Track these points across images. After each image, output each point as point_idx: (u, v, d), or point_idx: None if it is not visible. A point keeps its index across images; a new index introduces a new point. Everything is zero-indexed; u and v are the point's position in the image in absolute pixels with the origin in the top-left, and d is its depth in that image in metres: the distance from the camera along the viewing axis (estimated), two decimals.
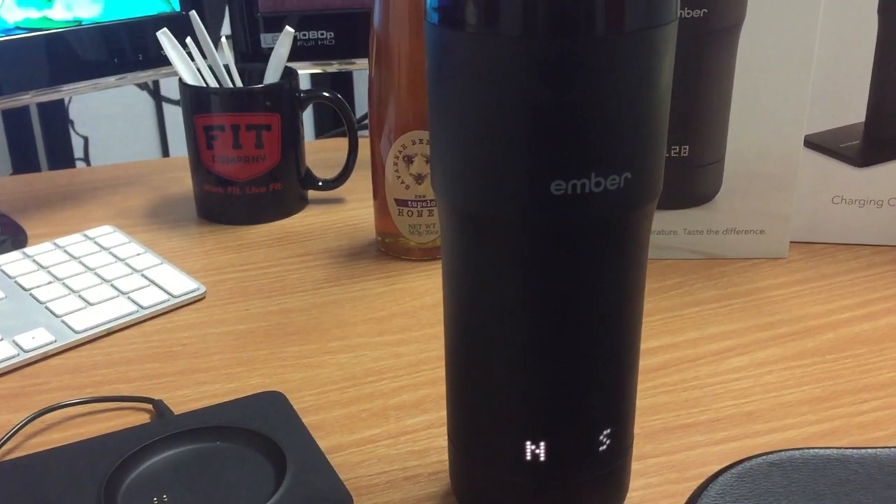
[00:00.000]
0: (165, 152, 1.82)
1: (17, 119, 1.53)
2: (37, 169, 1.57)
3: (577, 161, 0.30)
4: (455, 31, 0.30)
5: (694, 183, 0.61)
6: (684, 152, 0.60)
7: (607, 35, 0.29)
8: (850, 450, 0.40)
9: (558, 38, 0.28)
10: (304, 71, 0.81)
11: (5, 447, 0.44)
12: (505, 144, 0.30)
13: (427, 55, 0.32)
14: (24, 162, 1.54)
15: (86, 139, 1.69)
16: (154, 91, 1.78)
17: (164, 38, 0.67)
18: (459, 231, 0.33)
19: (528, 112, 0.29)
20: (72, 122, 1.66)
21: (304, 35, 0.78)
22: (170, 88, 1.72)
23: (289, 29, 0.69)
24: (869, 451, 0.40)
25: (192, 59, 0.69)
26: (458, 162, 0.31)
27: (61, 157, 1.60)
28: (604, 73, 0.29)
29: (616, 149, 0.30)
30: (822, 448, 0.40)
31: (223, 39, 0.71)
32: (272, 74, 0.70)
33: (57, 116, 1.60)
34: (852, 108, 0.61)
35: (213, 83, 0.70)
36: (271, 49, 0.71)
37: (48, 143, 1.57)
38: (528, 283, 0.32)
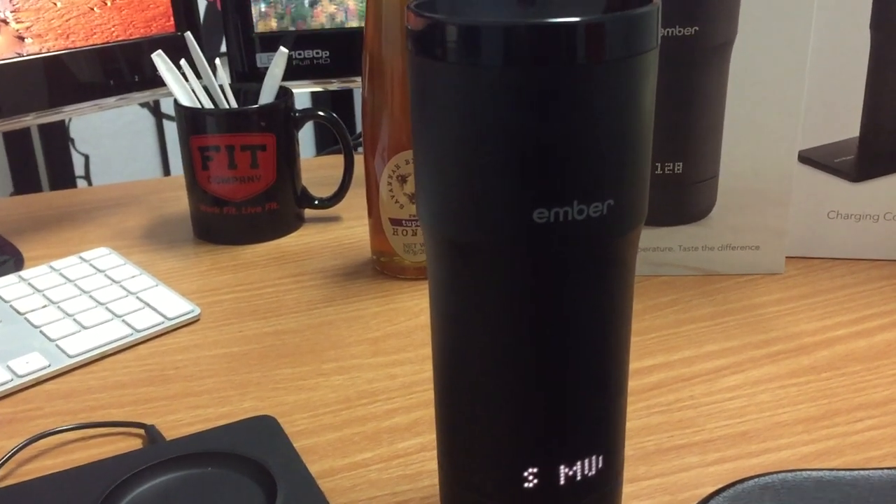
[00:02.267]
0: (166, 169, 1.82)
1: (18, 138, 1.54)
2: (38, 187, 1.58)
3: (559, 189, 0.30)
4: (435, 61, 0.30)
5: (688, 200, 0.61)
6: (678, 169, 0.60)
7: (588, 64, 0.29)
8: (843, 471, 0.39)
9: (538, 68, 0.28)
10: (305, 90, 0.82)
11: None
12: (486, 173, 0.30)
13: (409, 83, 0.32)
14: (24, 181, 1.55)
15: (87, 157, 1.70)
16: (155, 108, 1.79)
17: (159, 59, 0.68)
18: (444, 258, 0.33)
19: (508, 141, 0.29)
20: (72, 141, 1.67)
21: (300, 54, 0.78)
22: (170, 106, 1.72)
23: (283, 49, 0.69)
24: (862, 472, 0.39)
25: (187, 79, 0.69)
26: (441, 190, 0.31)
27: (62, 175, 1.61)
28: (584, 101, 0.29)
29: (598, 176, 0.30)
30: (814, 469, 0.40)
31: (217, 60, 0.71)
32: (267, 94, 0.70)
33: (57, 135, 1.61)
34: (846, 123, 0.60)
35: (208, 104, 0.70)
36: (267, 69, 0.71)
37: (49, 162, 1.58)
38: (512, 311, 0.32)
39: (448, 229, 0.32)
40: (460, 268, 0.33)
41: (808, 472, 0.39)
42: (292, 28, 0.77)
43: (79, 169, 1.70)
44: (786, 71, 0.57)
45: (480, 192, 0.30)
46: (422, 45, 0.30)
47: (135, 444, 0.46)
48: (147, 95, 0.77)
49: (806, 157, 0.61)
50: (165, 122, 1.80)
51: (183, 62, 0.69)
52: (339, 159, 0.74)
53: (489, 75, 0.29)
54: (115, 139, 1.74)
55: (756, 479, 0.39)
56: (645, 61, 0.30)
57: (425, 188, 0.32)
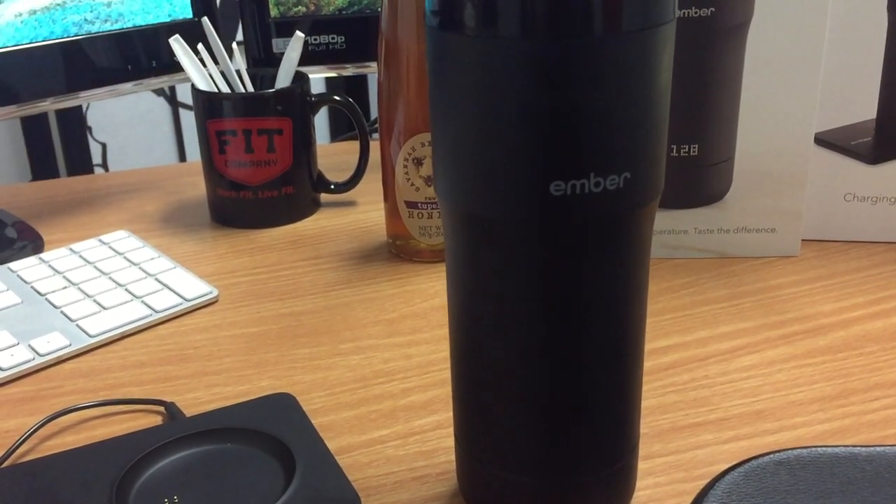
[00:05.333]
0: (182, 157, 1.83)
1: (35, 126, 1.55)
2: (56, 176, 1.59)
3: (575, 162, 0.30)
4: (453, 33, 0.30)
5: (704, 182, 0.61)
6: (694, 151, 0.60)
7: (605, 35, 0.29)
8: (859, 448, 0.39)
9: (556, 40, 0.28)
10: (320, 75, 0.82)
11: (20, 450, 0.45)
12: (504, 146, 0.30)
13: (427, 58, 0.32)
14: (43, 169, 1.56)
15: (104, 146, 1.71)
16: (171, 97, 1.80)
17: (177, 44, 0.68)
18: (462, 232, 0.33)
19: (526, 113, 0.29)
20: (90, 129, 1.68)
21: (316, 39, 0.78)
22: (186, 94, 1.74)
23: (299, 34, 0.70)
24: (877, 448, 0.39)
25: (205, 64, 0.69)
26: (459, 164, 0.32)
27: (79, 163, 1.62)
28: (602, 73, 0.29)
29: (615, 149, 0.30)
30: (830, 446, 0.40)
31: (234, 45, 0.71)
32: (283, 79, 0.71)
33: (75, 123, 1.62)
34: (863, 105, 0.60)
35: (225, 89, 0.70)
36: (283, 54, 0.71)
37: (67, 150, 1.59)
38: (529, 284, 0.32)
39: (465, 203, 0.32)
40: (477, 242, 0.33)
41: (824, 449, 0.39)
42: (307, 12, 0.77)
43: (96, 157, 1.71)
44: (802, 52, 0.57)
45: (497, 165, 0.31)
46: (439, 18, 0.30)
47: (155, 420, 0.47)
48: (164, 81, 0.78)
49: (822, 140, 0.61)
50: (182, 112, 1.81)
51: (200, 47, 0.69)
52: (354, 146, 0.74)
53: (506, 47, 0.29)
54: (131, 128, 1.75)
55: (771, 456, 0.39)
56: (662, 33, 0.30)
57: (443, 162, 0.33)
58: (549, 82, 0.29)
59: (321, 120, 1.65)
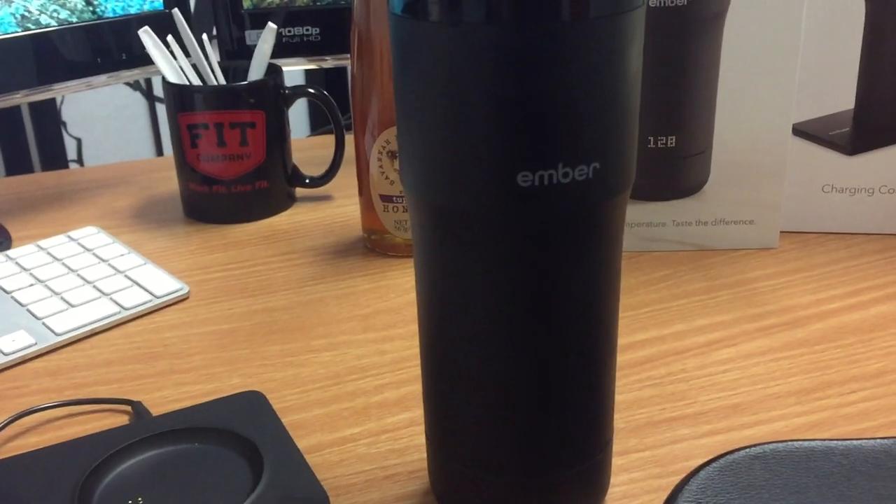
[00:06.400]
0: (160, 152, 1.81)
1: (9, 122, 1.53)
2: (30, 171, 1.57)
3: (543, 151, 0.29)
4: (417, 20, 0.29)
5: (681, 174, 0.60)
6: (671, 143, 0.59)
7: (572, 21, 0.28)
8: (835, 441, 0.39)
9: (522, 26, 0.28)
10: (298, 67, 0.81)
11: None
12: (470, 136, 0.29)
13: (391, 45, 0.31)
14: (17, 165, 1.54)
15: (79, 141, 1.69)
16: (147, 91, 1.78)
17: (146, 36, 0.67)
18: (429, 225, 0.33)
19: (492, 102, 0.29)
20: (64, 124, 1.66)
21: (290, 31, 0.77)
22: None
23: (271, 25, 0.69)
24: (854, 442, 0.39)
25: (175, 57, 0.68)
26: (424, 154, 0.31)
27: (54, 159, 1.60)
28: (569, 60, 0.28)
29: (583, 138, 0.30)
30: (806, 440, 0.39)
31: (205, 37, 0.70)
32: (256, 71, 0.70)
33: (49, 118, 1.60)
34: (841, 96, 0.60)
35: (196, 81, 0.69)
36: (256, 46, 0.70)
37: (41, 146, 1.57)
38: (498, 277, 0.32)
39: (431, 195, 0.31)
40: (445, 234, 0.32)
41: (800, 443, 0.39)
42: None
43: (71, 153, 1.69)
44: (780, 42, 0.56)
45: (463, 155, 0.30)
46: (402, 3, 0.30)
47: (121, 420, 0.46)
48: (136, 74, 0.76)
49: (800, 130, 0.61)
50: (158, 106, 1.79)
51: (170, 38, 0.68)
52: (330, 139, 0.73)
53: (471, 33, 0.28)
54: (107, 122, 1.73)
55: (747, 450, 0.39)
56: (631, 19, 0.29)
57: (408, 153, 0.32)
58: (516, 70, 0.28)
59: (300, 114, 1.63)
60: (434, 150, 0.30)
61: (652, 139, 0.59)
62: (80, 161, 1.70)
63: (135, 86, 1.74)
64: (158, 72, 0.69)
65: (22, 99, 0.71)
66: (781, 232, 0.62)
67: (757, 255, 0.61)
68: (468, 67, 0.28)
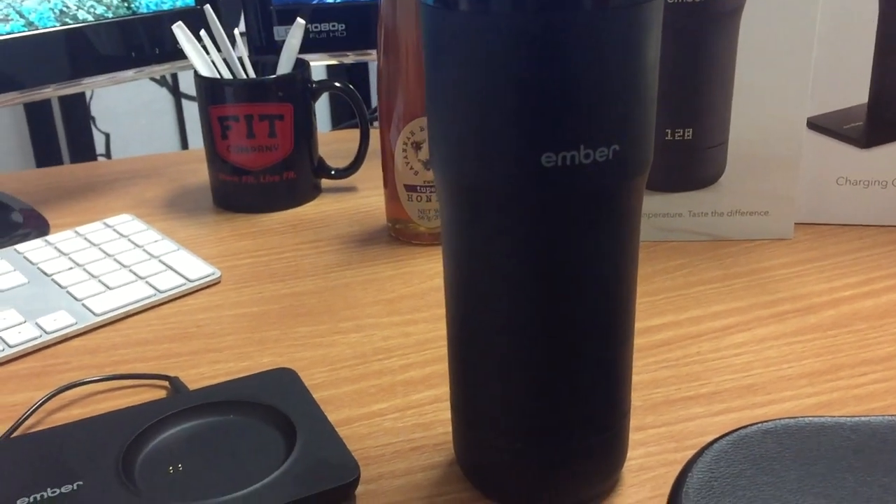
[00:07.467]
0: (185, 147, 1.84)
1: (39, 116, 1.56)
2: (60, 165, 1.60)
3: (566, 133, 0.31)
4: (447, 9, 0.31)
5: (698, 165, 0.62)
6: (688, 135, 0.61)
7: (594, 10, 0.30)
8: (845, 418, 0.40)
9: (546, 14, 0.29)
10: (321, 62, 0.83)
11: (27, 423, 0.46)
12: (496, 118, 0.31)
13: (423, 35, 0.33)
14: (47, 158, 1.57)
15: (107, 136, 1.72)
16: (174, 87, 1.81)
17: (179, 31, 0.69)
18: (456, 205, 0.34)
19: (518, 87, 0.30)
20: (93, 119, 1.69)
21: (317, 27, 0.79)
22: (189, 85, 1.74)
23: (300, 20, 0.71)
24: (863, 418, 0.40)
25: (207, 52, 0.71)
26: (453, 137, 0.33)
27: (83, 153, 1.63)
28: (590, 47, 0.30)
29: (604, 121, 0.31)
30: (816, 417, 0.41)
31: (236, 32, 0.72)
32: (284, 65, 0.72)
33: (78, 113, 1.63)
34: (855, 90, 0.61)
35: (227, 75, 0.71)
36: (284, 41, 0.72)
37: (70, 141, 1.60)
38: (520, 255, 0.34)
39: (459, 175, 0.33)
40: (471, 213, 0.34)
41: (811, 419, 0.40)
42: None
43: (100, 147, 1.72)
44: (795, 37, 0.58)
45: (490, 137, 0.32)
46: None
47: (159, 394, 0.48)
48: (166, 68, 0.79)
49: (815, 124, 0.62)
50: (185, 102, 1.82)
51: (203, 33, 0.70)
52: (354, 133, 0.75)
53: (498, 22, 0.30)
54: (135, 118, 1.76)
55: (759, 425, 0.40)
56: (650, 9, 0.31)
57: (437, 136, 0.34)
58: (540, 56, 0.30)
59: (322, 109, 1.66)
60: (462, 133, 0.32)
61: (669, 132, 0.61)
62: (108, 155, 1.73)
63: (162, 82, 1.77)
64: (186, 67, 0.72)
65: (52, 93, 0.73)
66: (796, 223, 0.63)
67: (772, 245, 0.62)
68: (496, 54, 0.30)
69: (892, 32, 0.59)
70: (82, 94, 1.62)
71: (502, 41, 0.30)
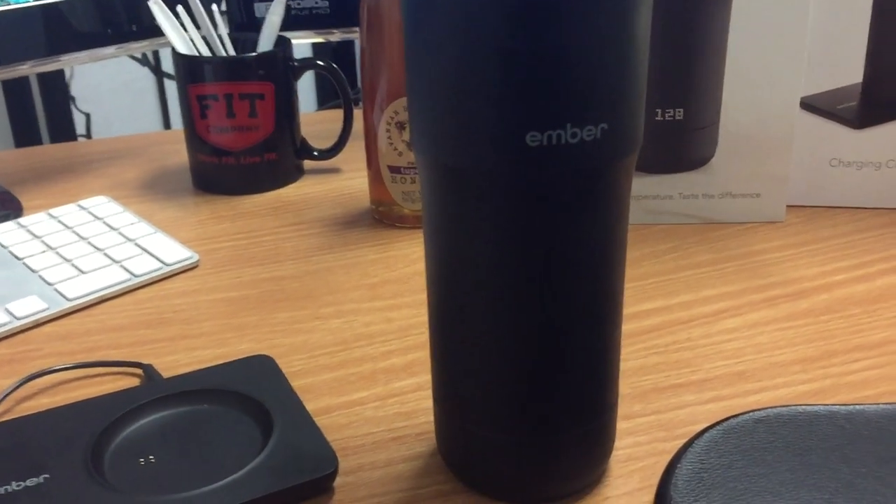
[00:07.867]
0: (167, 127, 1.82)
1: (18, 96, 1.53)
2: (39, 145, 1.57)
3: (552, 111, 0.29)
4: None
5: (689, 146, 0.60)
6: (679, 115, 0.59)
7: None
8: (838, 406, 0.39)
9: None
10: (306, 40, 0.81)
11: None
12: (480, 95, 0.30)
13: (402, 9, 0.32)
14: (26, 139, 1.54)
15: (88, 116, 1.69)
16: (155, 66, 1.78)
17: (156, 7, 0.67)
18: (438, 185, 0.33)
19: (501, 61, 0.29)
20: (73, 99, 1.66)
21: (299, 4, 0.77)
22: (171, 64, 1.72)
23: None
24: (857, 407, 0.39)
25: (186, 28, 0.68)
26: (435, 114, 0.31)
27: (63, 134, 1.60)
28: (578, 21, 0.29)
29: (591, 99, 0.30)
30: (809, 405, 0.40)
31: (215, 9, 0.70)
32: (265, 43, 0.70)
33: (58, 93, 1.60)
34: (849, 70, 0.60)
35: (206, 53, 0.69)
36: (265, 18, 0.70)
37: (50, 121, 1.57)
38: (505, 236, 0.32)
39: (441, 154, 0.32)
40: (454, 194, 0.32)
41: (803, 407, 0.39)
42: None
43: (80, 127, 1.69)
44: (788, 16, 0.56)
45: (473, 114, 0.30)
46: None
47: (132, 383, 0.46)
48: (145, 46, 0.76)
49: (808, 104, 0.61)
50: (167, 81, 1.80)
51: (180, 9, 0.68)
52: (338, 114, 0.73)
53: None
54: (116, 97, 1.73)
55: (751, 414, 0.39)
56: None
57: (418, 113, 0.32)
58: (525, 30, 0.28)
59: (308, 88, 1.64)
60: (444, 109, 0.31)
61: (659, 111, 0.60)
62: (88, 135, 1.70)
63: (143, 60, 1.74)
64: (167, 44, 0.70)
65: (29, 70, 0.71)
66: (788, 206, 0.62)
67: (763, 228, 0.61)
68: (478, 26, 0.29)
69: (886, 10, 0.58)
70: (61, 74, 1.60)
71: (485, 12, 0.28)
